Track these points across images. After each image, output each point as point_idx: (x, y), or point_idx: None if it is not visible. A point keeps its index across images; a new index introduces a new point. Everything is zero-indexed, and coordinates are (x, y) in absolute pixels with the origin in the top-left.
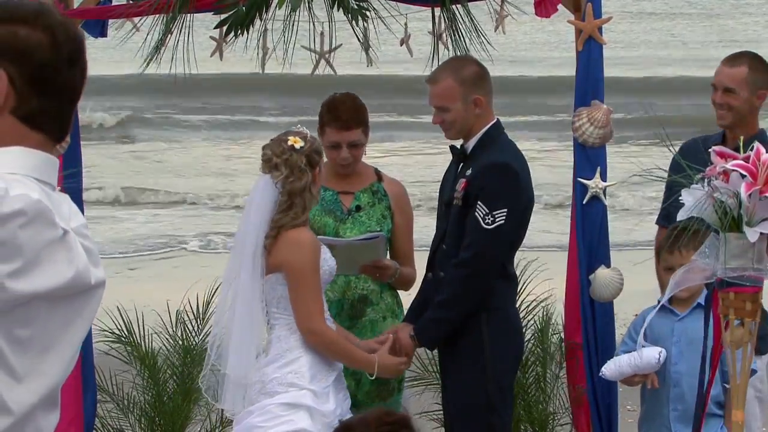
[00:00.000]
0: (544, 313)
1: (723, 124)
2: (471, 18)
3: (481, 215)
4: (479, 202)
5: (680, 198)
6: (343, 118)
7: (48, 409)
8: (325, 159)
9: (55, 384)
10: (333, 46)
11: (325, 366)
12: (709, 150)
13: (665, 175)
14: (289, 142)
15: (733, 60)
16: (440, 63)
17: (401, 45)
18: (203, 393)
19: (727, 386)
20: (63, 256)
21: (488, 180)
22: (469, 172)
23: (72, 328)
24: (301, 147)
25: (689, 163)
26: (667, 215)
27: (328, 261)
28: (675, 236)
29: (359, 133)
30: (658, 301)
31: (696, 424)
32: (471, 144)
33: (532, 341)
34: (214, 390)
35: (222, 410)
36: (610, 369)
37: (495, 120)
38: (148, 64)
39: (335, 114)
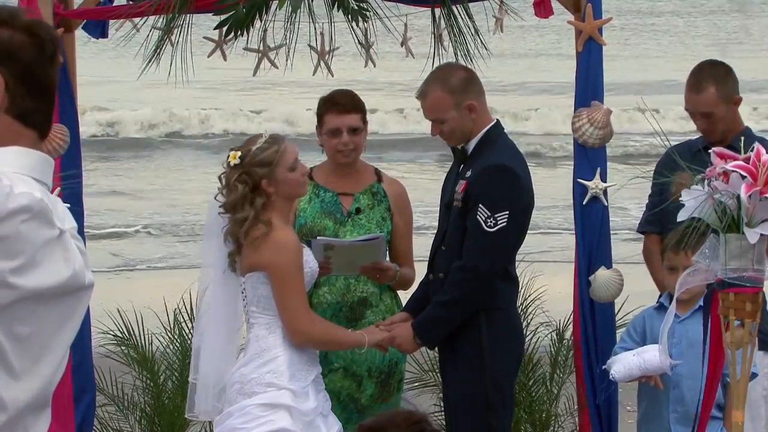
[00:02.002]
0: (563, 313)
1: (713, 139)
2: (471, 18)
3: (483, 218)
4: (480, 205)
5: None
6: (342, 103)
7: (38, 410)
8: (306, 168)
9: (47, 385)
10: (332, 46)
11: (303, 365)
12: (709, 151)
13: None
14: (228, 158)
15: (698, 87)
16: (438, 65)
17: (401, 46)
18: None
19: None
20: (60, 255)
21: (488, 182)
22: (469, 173)
23: (64, 329)
24: (235, 164)
25: (667, 173)
26: (654, 221)
27: (309, 263)
28: (681, 237)
29: (358, 119)
30: (661, 303)
31: (696, 425)
32: (471, 145)
33: (535, 342)
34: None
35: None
36: (619, 372)
37: (494, 121)
38: (148, 65)
39: (333, 101)
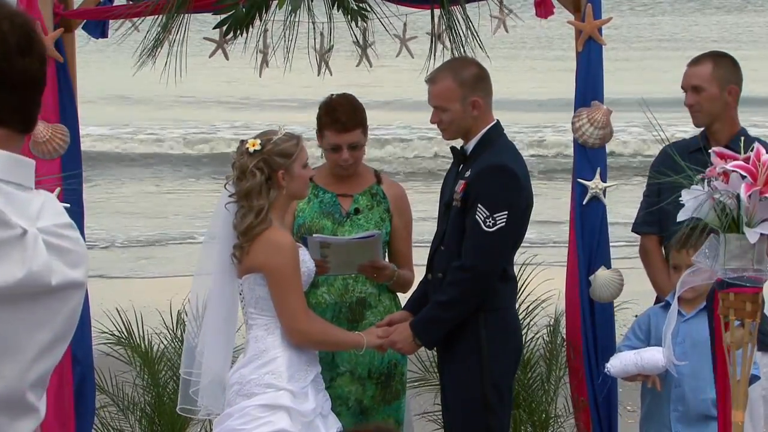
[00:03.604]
0: (554, 313)
1: (699, 123)
2: (469, 19)
3: (482, 218)
4: (479, 205)
5: (679, 201)
6: (342, 120)
7: (15, 412)
8: (313, 171)
9: (14, 385)
10: (332, 47)
11: (303, 366)
12: (710, 151)
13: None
14: (246, 146)
15: (696, 60)
16: (439, 64)
17: (401, 45)
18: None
19: None
20: (16, 257)
21: (487, 182)
22: (468, 173)
23: (40, 330)
24: (255, 150)
25: (668, 172)
26: (653, 221)
27: (306, 263)
28: (685, 235)
29: (359, 134)
30: (667, 302)
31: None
32: (471, 145)
33: (534, 342)
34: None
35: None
36: (615, 367)
37: (495, 121)
38: (143, 62)
39: (334, 116)
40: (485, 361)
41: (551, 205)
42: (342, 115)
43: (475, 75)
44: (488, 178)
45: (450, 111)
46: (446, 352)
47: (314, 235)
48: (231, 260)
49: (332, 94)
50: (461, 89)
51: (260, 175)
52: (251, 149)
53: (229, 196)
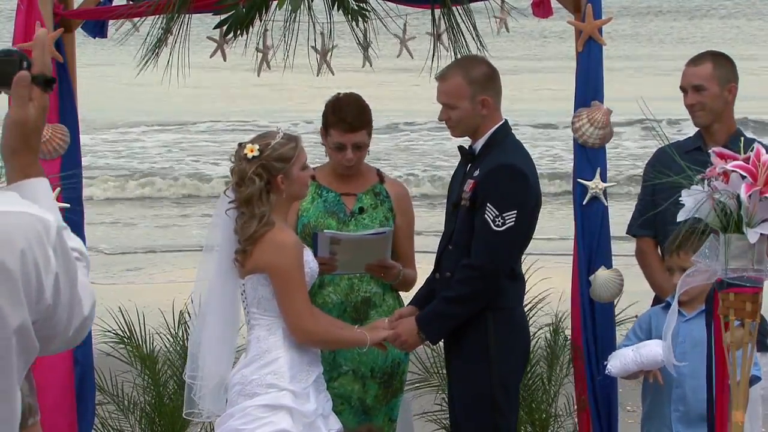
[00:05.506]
0: (556, 313)
1: (700, 123)
2: (472, 18)
3: (491, 217)
4: (488, 205)
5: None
6: (349, 120)
7: None
8: (312, 171)
9: None
10: (332, 47)
11: (304, 366)
12: (710, 151)
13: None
14: (244, 151)
15: (696, 60)
16: (443, 64)
17: (400, 45)
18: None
19: None
20: None
21: (496, 182)
22: (476, 173)
23: None
24: (253, 156)
25: (666, 171)
26: (648, 224)
27: (309, 263)
28: (679, 239)
29: (364, 135)
30: (668, 302)
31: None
32: (479, 144)
33: (534, 341)
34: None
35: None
36: (615, 367)
37: (503, 121)
38: (146, 64)
39: (340, 116)
40: (494, 361)
41: None
42: (348, 115)
43: (485, 74)
44: (497, 178)
45: (459, 109)
46: (454, 351)
47: (325, 231)
48: (232, 265)
49: (339, 93)
50: (471, 87)
51: (259, 181)
52: (249, 155)
53: (229, 202)
